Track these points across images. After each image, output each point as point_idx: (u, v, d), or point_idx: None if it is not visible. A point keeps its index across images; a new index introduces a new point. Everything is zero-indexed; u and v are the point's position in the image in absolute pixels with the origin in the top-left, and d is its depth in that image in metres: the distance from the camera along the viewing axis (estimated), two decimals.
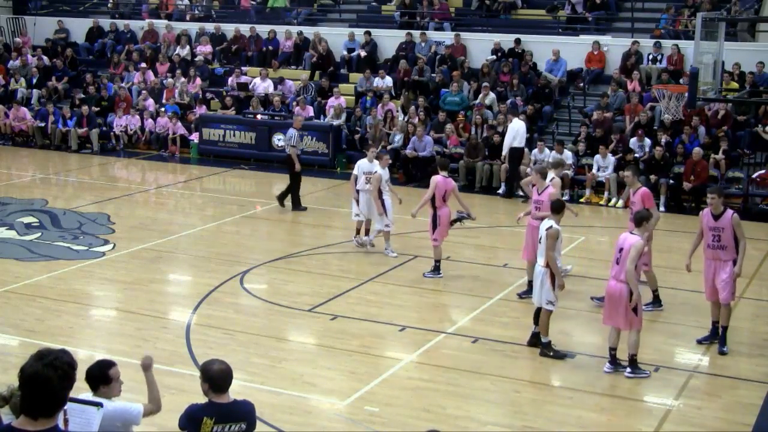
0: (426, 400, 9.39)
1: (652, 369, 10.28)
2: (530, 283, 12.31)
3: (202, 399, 5.96)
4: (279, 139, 22.71)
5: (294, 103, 23.55)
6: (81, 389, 5.14)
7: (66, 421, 5.30)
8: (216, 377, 5.86)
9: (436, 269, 13.63)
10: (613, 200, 19.13)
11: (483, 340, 11.13)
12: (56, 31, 29.34)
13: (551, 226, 10.40)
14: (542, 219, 12.14)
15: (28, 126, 24.89)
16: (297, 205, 17.83)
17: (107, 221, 16.73)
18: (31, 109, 25.58)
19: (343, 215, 17.88)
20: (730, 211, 10.84)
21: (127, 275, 13.63)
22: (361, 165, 14.99)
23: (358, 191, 14.92)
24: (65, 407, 5.26)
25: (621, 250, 9.94)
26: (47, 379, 3.84)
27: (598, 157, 19.60)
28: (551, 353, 10.54)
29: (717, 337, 11.00)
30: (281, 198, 17.98)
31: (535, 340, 10.81)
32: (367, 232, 15.10)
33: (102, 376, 5.86)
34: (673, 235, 16.09)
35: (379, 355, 10.75)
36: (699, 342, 11.09)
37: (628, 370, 10.05)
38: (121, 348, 10.61)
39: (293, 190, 17.86)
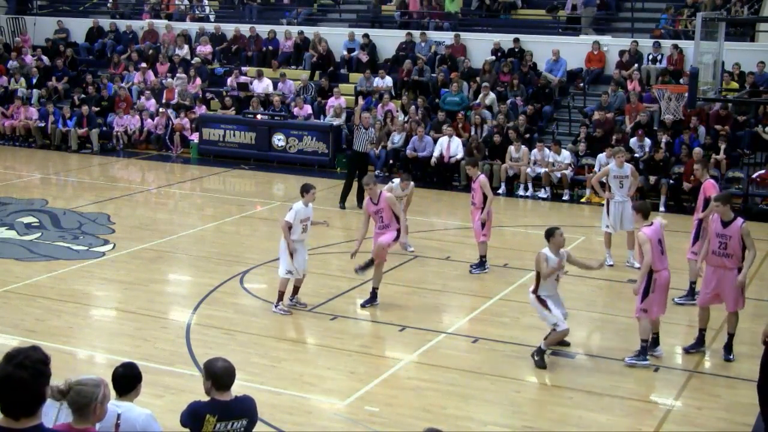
0: (426, 400, 9.39)
1: (652, 369, 10.29)
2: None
3: (201, 398, 5.97)
4: (279, 139, 22.74)
5: (293, 103, 23.57)
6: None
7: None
8: (220, 374, 5.88)
9: (482, 264, 13.99)
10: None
11: (483, 340, 11.12)
12: (56, 31, 29.36)
13: (540, 252, 10.07)
14: (386, 227, 12.08)
15: (30, 126, 24.93)
16: (343, 202, 18.17)
17: (107, 221, 16.73)
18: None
19: (343, 215, 17.90)
20: (740, 219, 10.51)
21: (127, 275, 13.63)
22: (298, 210, 11.69)
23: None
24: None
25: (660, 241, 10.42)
26: (20, 379, 3.82)
27: (601, 156, 19.52)
28: (536, 358, 10.26)
29: (704, 345, 10.88)
30: (359, 200, 18.04)
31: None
32: (296, 291, 12.16)
33: (139, 375, 5.91)
34: (673, 236, 16.05)
35: (379, 355, 10.75)
36: (687, 351, 10.87)
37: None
38: (121, 348, 10.62)
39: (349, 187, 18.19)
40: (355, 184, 18.12)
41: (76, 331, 11.34)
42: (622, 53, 22.74)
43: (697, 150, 18.77)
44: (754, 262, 10.90)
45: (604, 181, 14.90)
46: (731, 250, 10.44)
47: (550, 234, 10.13)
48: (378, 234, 12.25)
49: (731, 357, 10.70)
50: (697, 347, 10.88)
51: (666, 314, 12.14)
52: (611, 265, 14.39)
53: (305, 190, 11.81)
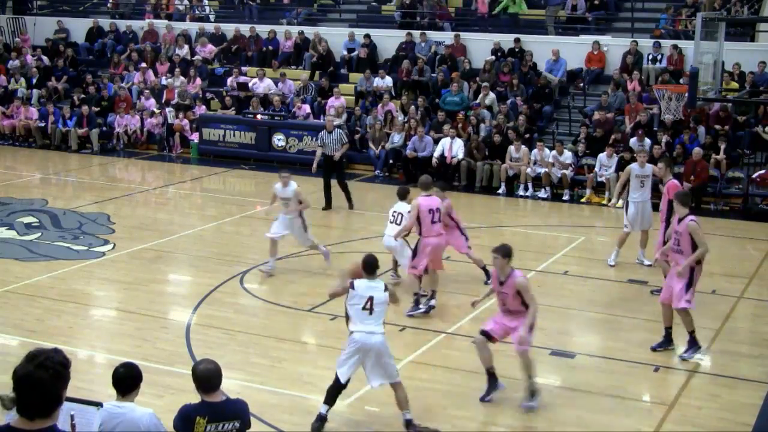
0: (426, 400, 9.38)
1: (651, 369, 10.29)
2: None
3: (199, 399, 5.99)
4: (279, 139, 22.74)
5: (294, 103, 23.58)
6: (98, 393, 5.16)
7: (73, 426, 5.31)
8: (200, 377, 5.93)
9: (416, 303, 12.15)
10: (613, 200, 19.10)
11: None
12: (56, 31, 29.36)
13: (386, 286, 8.72)
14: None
15: (30, 126, 24.94)
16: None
17: (107, 221, 16.73)
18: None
19: (344, 215, 17.91)
20: (689, 217, 10.54)
21: (127, 275, 13.62)
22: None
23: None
24: (72, 412, 5.28)
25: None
26: (39, 379, 3.83)
27: (602, 156, 19.56)
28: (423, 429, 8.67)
29: (671, 344, 10.77)
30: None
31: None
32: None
33: (140, 375, 5.94)
34: None
35: None
36: (653, 349, 10.74)
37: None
38: (121, 348, 10.61)
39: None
40: (346, 187, 18.22)
41: (76, 331, 11.34)
42: (625, 55, 22.68)
43: (697, 150, 18.82)
44: (757, 260, 10.89)
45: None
46: (682, 246, 10.50)
47: (375, 265, 8.83)
48: None
49: (687, 355, 10.55)
50: (664, 345, 10.78)
51: (659, 315, 12.17)
52: (612, 266, 14.32)
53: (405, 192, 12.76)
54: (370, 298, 8.48)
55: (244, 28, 26.89)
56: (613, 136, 20.10)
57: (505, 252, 9.16)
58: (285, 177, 13.62)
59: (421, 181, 12.36)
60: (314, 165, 18.21)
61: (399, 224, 12.33)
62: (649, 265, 13.98)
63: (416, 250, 11.98)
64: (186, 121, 24.07)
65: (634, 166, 14.47)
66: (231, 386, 8.31)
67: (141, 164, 23.18)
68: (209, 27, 27.55)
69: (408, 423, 8.61)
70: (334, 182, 18.12)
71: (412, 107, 22.33)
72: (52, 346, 4.11)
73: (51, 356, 3.91)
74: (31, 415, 3.87)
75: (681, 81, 20.04)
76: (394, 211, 12.57)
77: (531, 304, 9.09)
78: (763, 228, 17.25)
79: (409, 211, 12.12)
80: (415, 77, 23.68)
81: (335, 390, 8.58)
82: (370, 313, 8.45)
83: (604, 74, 23.16)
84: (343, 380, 8.55)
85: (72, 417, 5.30)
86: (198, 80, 25.38)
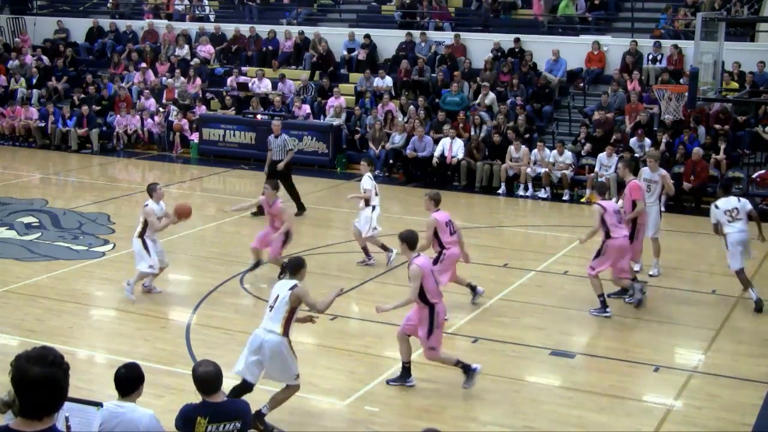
0: (426, 400, 9.39)
1: (651, 369, 10.30)
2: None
3: (200, 398, 5.99)
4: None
5: (294, 103, 23.57)
6: (98, 393, 5.17)
7: (68, 427, 5.31)
8: (199, 380, 5.97)
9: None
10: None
11: (483, 340, 11.12)
12: (56, 31, 29.36)
13: (295, 285, 8.45)
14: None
15: (30, 126, 24.95)
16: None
17: (107, 221, 16.73)
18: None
19: (344, 215, 17.88)
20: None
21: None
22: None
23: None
24: (67, 413, 5.28)
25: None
26: (55, 378, 3.82)
27: (602, 155, 19.56)
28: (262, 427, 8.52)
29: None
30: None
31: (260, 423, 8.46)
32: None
33: (141, 376, 5.95)
34: (673, 235, 16.10)
35: (379, 355, 10.73)
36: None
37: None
38: (121, 348, 10.61)
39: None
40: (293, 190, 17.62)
41: (76, 331, 11.34)
42: (625, 55, 22.68)
43: (697, 150, 18.82)
44: (757, 261, 10.86)
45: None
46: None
47: (300, 266, 8.67)
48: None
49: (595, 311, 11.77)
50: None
51: (667, 315, 12.17)
52: (653, 275, 13.76)
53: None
54: (276, 297, 8.45)
55: (244, 28, 26.89)
56: (613, 136, 20.09)
57: (402, 238, 9.43)
58: (160, 192, 12.62)
59: (432, 196, 12.01)
60: (265, 168, 17.62)
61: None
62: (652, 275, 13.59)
63: (437, 261, 11.65)
64: (186, 121, 24.07)
65: (645, 169, 14.43)
66: (232, 386, 8.31)
67: (141, 164, 23.17)
68: (209, 27, 27.56)
69: (258, 413, 8.34)
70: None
71: (412, 107, 22.32)
72: (32, 344, 4.07)
73: (56, 354, 3.91)
74: (40, 414, 3.85)
75: (681, 81, 20.03)
76: (365, 189, 13.96)
77: (410, 293, 9.21)
78: (763, 228, 17.21)
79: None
80: (415, 77, 23.68)
81: (240, 388, 8.42)
82: (270, 310, 8.43)
83: (604, 74, 23.15)
84: (235, 369, 8.45)
85: (67, 419, 5.31)
86: (198, 80, 25.37)
